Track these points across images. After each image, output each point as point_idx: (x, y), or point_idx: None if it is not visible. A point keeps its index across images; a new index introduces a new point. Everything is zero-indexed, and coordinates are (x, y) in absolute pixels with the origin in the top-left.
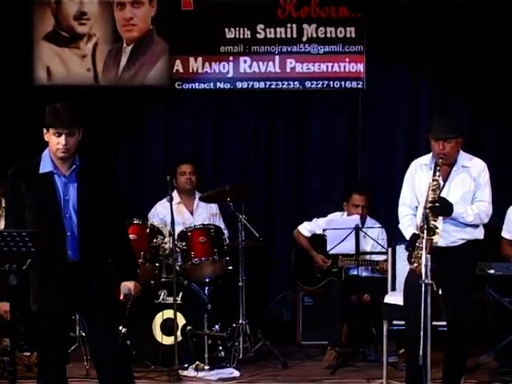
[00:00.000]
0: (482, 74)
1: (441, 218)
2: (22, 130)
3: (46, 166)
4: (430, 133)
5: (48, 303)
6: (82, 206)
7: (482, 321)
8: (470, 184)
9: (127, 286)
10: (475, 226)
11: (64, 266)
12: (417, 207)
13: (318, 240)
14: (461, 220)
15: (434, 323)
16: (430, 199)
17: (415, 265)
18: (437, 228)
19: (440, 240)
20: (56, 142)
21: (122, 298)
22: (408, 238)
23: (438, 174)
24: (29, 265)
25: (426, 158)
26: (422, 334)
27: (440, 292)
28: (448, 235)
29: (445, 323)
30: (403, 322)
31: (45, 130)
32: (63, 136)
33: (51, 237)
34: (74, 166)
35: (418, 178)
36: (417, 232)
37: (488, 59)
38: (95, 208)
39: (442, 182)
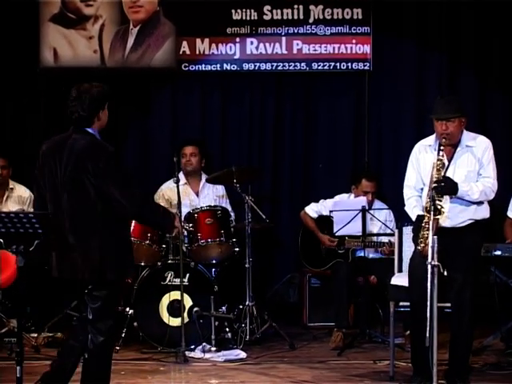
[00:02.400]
0: (490, 52)
1: (447, 197)
2: (29, 112)
3: None
4: (432, 114)
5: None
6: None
7: (488, 302)
8: (474, 163)
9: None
10: (481, 204)
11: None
12: (422, 189)
13: (325, 221)
14: (466, 198)
15: (440, 304)
16: (434, 179)
17: (422, 245)
18: (442, 208)
19: (447, 221)
20: None
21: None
22: (414, 218)
23: (441, 153)
24: (36, 246)
25: (430, 139)
26: (428, 315)
27: (445, 273)
28: (455, 216)
29: (448, 304)
30: (409, 304)
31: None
32: None
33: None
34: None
35: (423, 159)
36: (422, 213)
37: (496, 36)
38: (88, 188)
39: (446, 162)
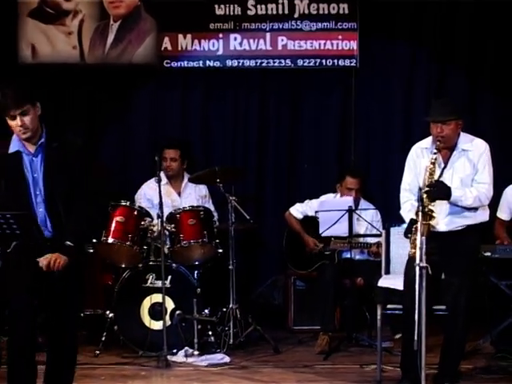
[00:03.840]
0: (483, 53)
1: (442, 202)
2: None
3: (14, 147)
4: (428, 116)
5: (20, 274)
6: (49, 181)
7: (479, 304)
8: (470, 168)
9: (43, 260)
10: (476, 210)
11: (39, 243)
12: None
13: (310, 222)
14: (460, 204)
15: (436, 307)
16: (426, 183)
17: (413, 250)
18: (433, 212)
19: (442, 226)
20: (14, 125)
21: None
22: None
23: (434, 156)
24: (13, 247)
25: (427, 142)
26: (416, 318)
27: (442, 276)
28: (451, 221)
29: (443, 307)
30: (398, 306)
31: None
32: (18, 117)
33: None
34: (40, 142)
35: (420, 162)
36: (414, 217)
37: (490, 36)
38: (62, 183)
39: (441, 166)
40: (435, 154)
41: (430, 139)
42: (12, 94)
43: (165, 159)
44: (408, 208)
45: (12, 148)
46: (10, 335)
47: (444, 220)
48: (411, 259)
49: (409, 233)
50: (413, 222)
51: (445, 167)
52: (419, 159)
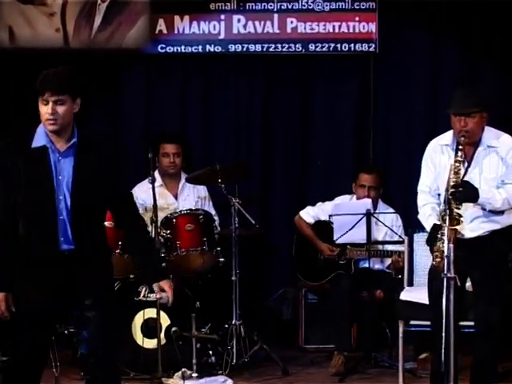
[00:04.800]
0: None
1: (468, 204)
2: None
3: (39, 140)
4: (449, 108)
5: (30, 296)
6: (77, 186)
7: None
8: (497, 166)
9: (162, 292)
10: (503, 213)
11: (54, 255)
12: (439, 195)
13: (323, 227)
14: (488, 207)
15: (462, 323)
16: (451, 183)
17: (438, 260)
18: (460, 216)
19: (467, 232)
20: (43, 111)
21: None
22: (429, 229)
23: (459, 154)
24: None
25: (447, 138)
26: (443, 335)
27: (467, 288)
28: (477, 226)
29: (470, 323)
30: (422, 323)
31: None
32: (50, 104)
33: (40, 221)
34: (72, 142)
35: (439, 160)
36: (438, 222)
37: None
38: (93, 189)
39: (465, 164)
40: (460, 150)
41: (449, 134)
42: (54, 77)
43: (165, 155)
44: (428, 212)
45: (37, 141)
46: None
47: (469, 225)
48: (434, 269)
49: (432, 240)
50: (436, 227)
51: (469, 166)
52: (439, 157)
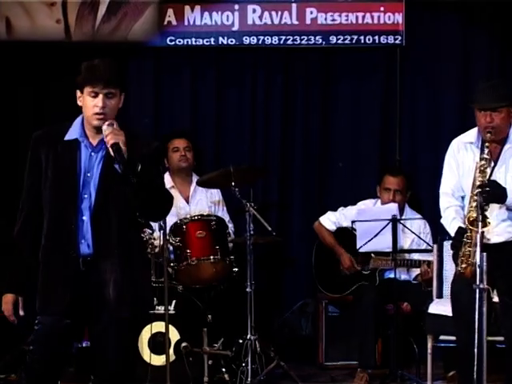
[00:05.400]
0: None
1: (494, 206)
2: None
3: (74, 133)
4: (473, 102)
5: (51, 299)
6: (104, 184)
7: None
8: None
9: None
10: None
11: (73, 259)
12: (463, 197)
13: (345, 235)
14: None
15: (490, 338)
16: (477, 183)
17: (463, 265)
18: (487, 218)
19: (493, 236)
20: (92, 103)
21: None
22: (453, 233)
23: (486, 151)
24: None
25: (471, 135)
26: (476, 351)
27: (495, 298)
28: (504, 230)
29: (500, 338)
30: (451, 338)
31: (78, 93)
32: (101, 96)
33: (60, 221)
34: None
35: (462, 159)
36: (463, 225)
37: None
38: (121, 189)
39: (491, 163)
40: (487, 147)
41: (474, 132)
42: (105, 68)
43: (175, 150)
44: (452, 215)
45: (71, 134)
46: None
47: (496, 229)
48: (460, 277)
49: (458, 245)
50: (461, 231)
51: (495, 165)
52: (462, 156)
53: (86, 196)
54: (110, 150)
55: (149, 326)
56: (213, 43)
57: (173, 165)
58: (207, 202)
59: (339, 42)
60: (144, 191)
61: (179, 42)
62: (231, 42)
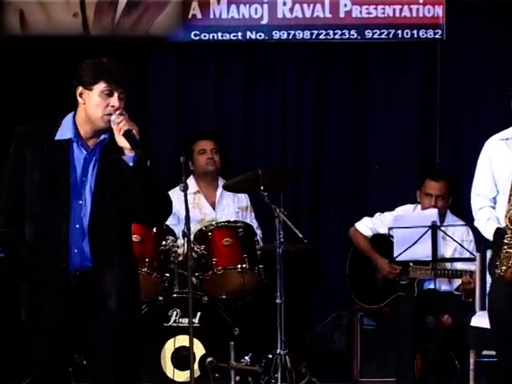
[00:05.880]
0: None
1: None
2: None
3: (66, 132)
4: (510, 91)
5: (42, 310)
6: (99, 189)
7: None
8: None
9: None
10: None
11: (63, 271)
12: (494, 198)
13: (382, 242)
14: None
15: None
16: None
17: (503, 268)
18: None
19: None
20: (104, 103)
21: None
22: (490, 234)
23: None
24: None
25: (509, 131)
26: None
27: None
28: None
29: None
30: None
31: (80, 89)
32: (116, 96)
33: (47, 228)
34: (102, 138)
35: (497, 157)
36: (501, 226)
37: None
38: (117, 194)
39: None
40: None
41: (511, 129)
42: (120, 68)
43: (202, 152)
44: (487, 216)
45: (62, 133)
46: None
47: None
48: (499, 285)
49: (497, 246)
50: (500, 231)
51: None
52: (498, 154)
53: (80, 202)
54: (120, 138)
55: (172, 340)
56: (240, 38)
57: (199, 168)
58: (234, 207)
59: (375, 36)
60: (150, 188)
61: (204, 36)
62: (260, 36)
